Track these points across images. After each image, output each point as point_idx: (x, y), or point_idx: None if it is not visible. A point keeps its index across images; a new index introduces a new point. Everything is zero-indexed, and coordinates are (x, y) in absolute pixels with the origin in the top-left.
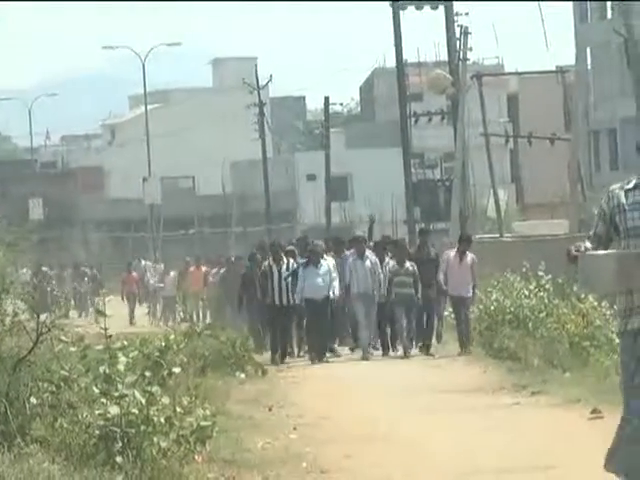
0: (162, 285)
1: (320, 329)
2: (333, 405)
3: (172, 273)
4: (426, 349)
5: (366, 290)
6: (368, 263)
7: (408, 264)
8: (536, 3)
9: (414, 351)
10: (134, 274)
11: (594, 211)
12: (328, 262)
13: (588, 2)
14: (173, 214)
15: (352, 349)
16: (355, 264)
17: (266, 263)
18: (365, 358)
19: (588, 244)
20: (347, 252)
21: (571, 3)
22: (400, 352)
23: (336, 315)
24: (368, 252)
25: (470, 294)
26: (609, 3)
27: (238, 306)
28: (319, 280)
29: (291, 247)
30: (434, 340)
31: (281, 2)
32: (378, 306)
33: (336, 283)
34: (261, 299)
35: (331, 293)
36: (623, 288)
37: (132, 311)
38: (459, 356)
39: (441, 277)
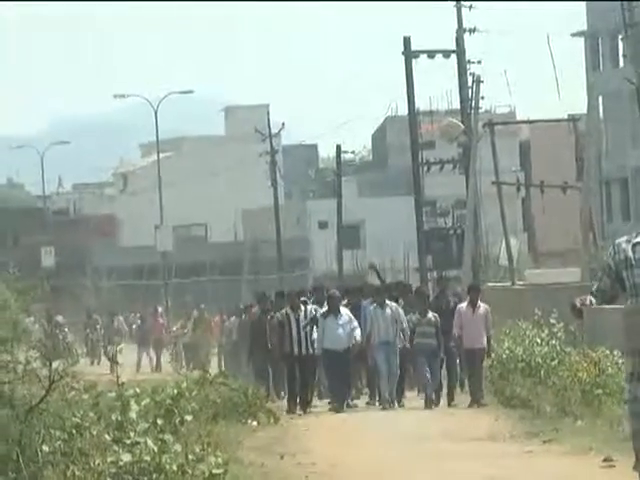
0: (186, 331)
1: (341, 379)
2: (345, 453)
3: (192, 319)
4: (450, 399)
5: (387, 339)
6: (389, 311)
7: (430, 314)
8: (548, 51)
9: (436, 404)
10: (160, 320)
11: (598, 273)
12: (347, 312)
13: (600, 50)
14: (185, 261)
15: (368, 403)
16: (376, 312)
17: (283, 312)
18: (385, 408)
19: (592, 298)
20: (363, 302)
21: (583, 52)
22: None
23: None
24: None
25: (483, 345)
26: (621, 51)
27: (248, 354)
28: (340, 331)
29: (304, 299)
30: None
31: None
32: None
33: (358, 331)
34: (275, 347)
35: (353, 340)
36: (632, 346)
37: (159, 358)
38: (469, 408)
39: (456, 331)
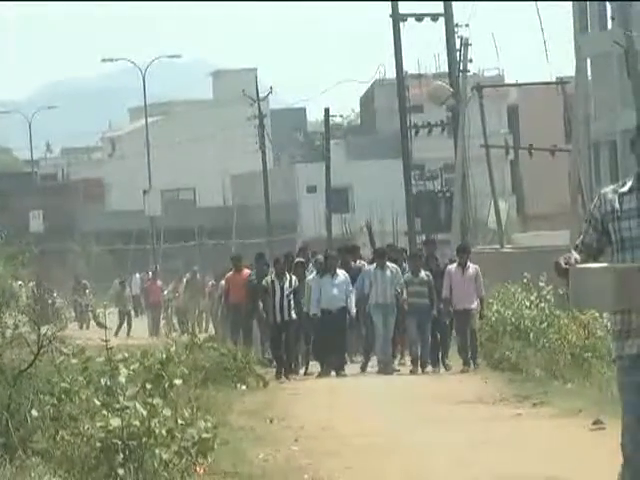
0: (177, 295)
1: (336, 341)
2: (334, 416)
3: (184, 281)
4: (440, 364)
5: (385, 301)
6: (389, 273)
7: (423, 273)
8: (536, 14)
9: (427, 368)
10: (158, 282)
11: (582, 227)
12: (343, 272)
13: (588, 13)
14: (173, 226)
15: (363, 368)
16: (376, 274)
17: (268, 278)
18: (387, 372)
19: (576, 255)
20: (359, 263)
21: (571, 14)
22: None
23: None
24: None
25: (474, 306)
26: (609, 14)
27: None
28: (335, 291)
29: (300, 259)
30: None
31: (281, 14)
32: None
33: (353, 297)
34: (263, 312)
35: (350, 302)
36: (622, 307)
37: (157, 322)
38: (462, 373)
39: (446, 293)
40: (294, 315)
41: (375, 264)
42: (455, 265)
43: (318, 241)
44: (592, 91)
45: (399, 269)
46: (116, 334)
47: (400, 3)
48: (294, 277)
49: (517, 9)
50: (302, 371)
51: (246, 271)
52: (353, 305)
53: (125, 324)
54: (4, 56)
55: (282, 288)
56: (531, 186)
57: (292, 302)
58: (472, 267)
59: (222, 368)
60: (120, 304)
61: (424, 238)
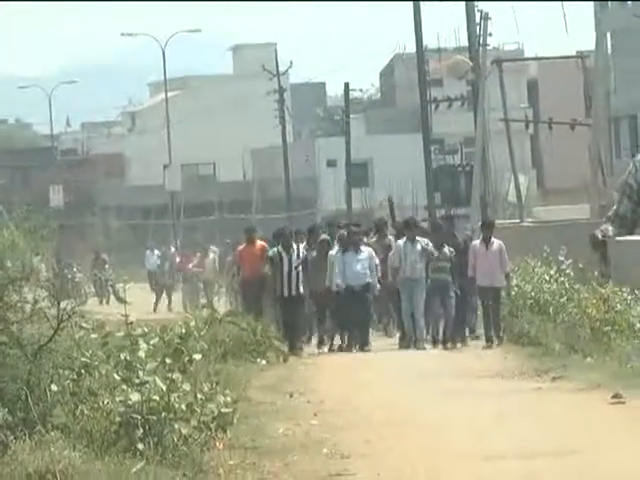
0: (202, 269)
1: (360, 317)
2: (353, 391)
3: (211, 255)
4: (458, 341)
5: (413, 275)
6: (419, 247)
7: (446, 248)
8: None
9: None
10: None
11: (615, 196)
12: (368, 249)
13: None
14: (194, 201)
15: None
16: (406, 248)
17: (275, 250)
18: (402, 347)
19: (610, 227)
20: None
21: None
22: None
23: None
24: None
25: (500, 283)
26: None
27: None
28: (358, 267)
29: (326, 237)
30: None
31: None
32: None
33: (378, 270)
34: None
35: (374, 278)
36: None
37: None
38: (485, 349)
39: (471, 272)
40: (302, 289)
41: (405, 237)
42: (479, 241)
43: (338, 215)
44: (612, 65)
45: (430, 243)
46: (155, 309)
47: None
48: (302, 248)
49: None
50: (326, 348)
51: (259, 243)
52: (377, 281)
53: (165, 297)
54: (23, 32)
55: (290, 260)
56: (551, 160)
57: (300, 275)
58: (496, 242)
59: (242, 343)
60: (158, 277)
61: (443, 213)
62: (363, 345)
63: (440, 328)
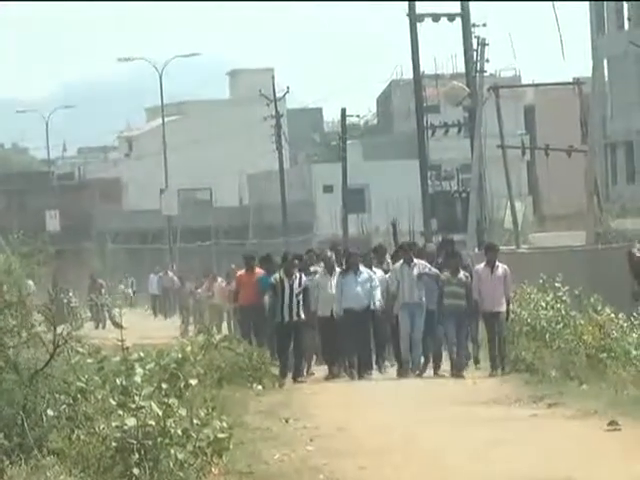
0: (211, 294)
1: (361, 342)
2: (349, 416)
3: (219, 280)
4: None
5: (412, 300)
6: (416, 270)
7: (462, 273)
8: (553, 14)
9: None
10: (219, 280)
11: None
12: (367, 270)
13: (605, 13)
14: (190, 226)
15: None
16: (402, 271)
17: (277, 276)
18: (401, 375)
19: None
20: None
21: (588, 14)
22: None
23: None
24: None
25: (503, 309)
26: (626, 14)
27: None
28: (359, 289)
29: (355, 250)
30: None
31: (297, 14)
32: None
33: (378, 292)
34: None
35: (372, 304)
36: None
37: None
38: (490, 377)
39: (476, 295)
40: (303, 315)
41: (402, 260)
42: (483, 265)
43: (334, 241)
44: (608, 91)
45: (429, 265)
46: (182, 335)
47: (417, 3)
48: (304, 276)
49: (534, 9)
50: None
51: (258, 270)
52: (377, 297)
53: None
54: (21, 55)
55: (291, 287)
56: (547, 186)
57: (301, 302)
58: (501, 267)
59: (238, 368)
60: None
61: (441, 238)
62: (364, 371)
63: (454, 354)
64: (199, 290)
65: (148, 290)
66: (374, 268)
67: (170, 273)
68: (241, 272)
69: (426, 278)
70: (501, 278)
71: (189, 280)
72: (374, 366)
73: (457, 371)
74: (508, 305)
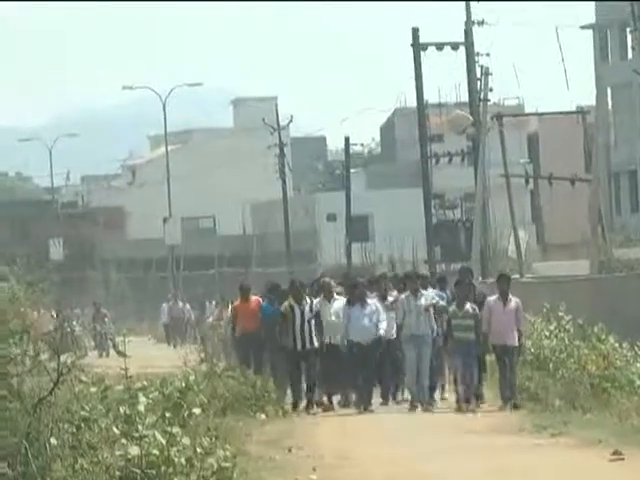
0: (221, 321)
1: (366, 375)
2: (353, 445)
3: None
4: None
5: (417, 331)
6: (423, 301)
7: (469, 305)
8: (557, 43)
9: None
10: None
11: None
12: (375, 302)
13: (609, 42)
14: (193, 254)
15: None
16: (409, 302)
17: (286, 304)
18: (412, 408)
19: None
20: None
21: (592, 43)
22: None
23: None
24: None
25: (516, 342)
26: (630, 43)
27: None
28: (366, 321)
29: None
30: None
31: (302, 42)
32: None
33: (384, 324)
34: (280, 342)
35: (380, 332)
36: None
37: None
38: (500, 411)
39: (485, 328)
40: (316, 342)
41: (408, 291)
42: (495, 297)
43: (338, 269)
44: (612, 120)
45: (436, 297)
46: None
47: (421, 32)
48: (314, 301)
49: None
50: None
51: (254, 299)
52: (383, 328)
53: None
54: (25, 83)
55: (302, 313)
56: (551, 216)
57: (313, 328)
58: (514, 300)
59: (241, 397)
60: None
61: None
62: (366, 405)
63: (461, 388)
64: (210, 319)
65: (160, 319)
66: (368, 299)
67: (180, 303)
68: (236, 302)
69: (439, 310)
70: (513, 311)
71: (201, 308)
72: (389, 397)
73: (465, 404)
74: (521, 338)
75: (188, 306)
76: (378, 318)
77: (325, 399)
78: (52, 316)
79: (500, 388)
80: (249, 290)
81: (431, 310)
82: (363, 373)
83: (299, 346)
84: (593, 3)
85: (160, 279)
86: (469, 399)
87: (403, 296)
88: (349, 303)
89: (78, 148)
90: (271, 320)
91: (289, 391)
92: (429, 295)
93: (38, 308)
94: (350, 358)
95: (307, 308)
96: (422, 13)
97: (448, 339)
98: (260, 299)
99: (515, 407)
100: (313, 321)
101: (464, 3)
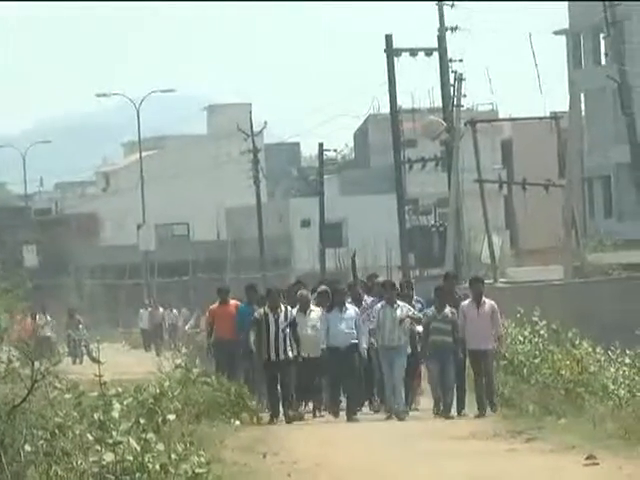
0: (199, 330)
1: (347, 381)
2: (328, 452)
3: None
4: (460, 407)
5: (391, 343)
6: (399, 312)
7: (447, 309)
8: (530, 49)
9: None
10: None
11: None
12: (354, 307)
13: (582, 48)
14: (167, 260)
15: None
16: (385, 312)
17: (261, 311)
18: (390, 417)
19: None
20: (367, 298)
21: (565, 50)
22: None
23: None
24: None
25: (490, 346)
26: (603, 49)
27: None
28: (343, 326)
29: (324, 287)
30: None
31: (275, 49)
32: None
33: (365, 338)
34: (255, 352)
35: (362, 347)
36: None
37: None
38: (477, 418)
39: (461, 333)
40: (290, 352)
41: (384, 301)
42: (469, 301)
43: (312, 275)
44: (586, 126)
45: (412, 309)
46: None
47: (394, 38)
48: (290, 309)
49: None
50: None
51: (233, 303)
52: (364, 341)
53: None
54: None
55: (277, 321)
56: (525, 221)
57: (288, 337)
58: (488, 303)
59: (216, 403)
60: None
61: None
62: (352, 410)
63: (438, 394)
64: (187, 327)
65: (138, 325)
66: (347, 304)
67: (161, 308)
68: (214, 305)
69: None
70: (488, 314)
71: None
72: (365, 403)
73: (444, 411)
74: (501, 342)
75: (175, 311)
76: (359, 323)
77: (301, 409)
78: (34, 321)
79: (476, 394)
80: (228, 292)
81: (407, 322)
82: (342, 378)
83: (273, 356)
84: (566, 9)
85: (134, 285)
86: (446, 405)
87: (379, 306)
88: (328, 309)
89: (52, 155)
90: (247, 320)
91: (266, 401)
92: (405, 306)
93: (15, 314)
94: (328, 363)
95: (282, 316)
96: (395, 19)
97: (425, 343)
98: (239, 303)
99: (493, 409)
100: (288, 329)
101: (437, 8)
